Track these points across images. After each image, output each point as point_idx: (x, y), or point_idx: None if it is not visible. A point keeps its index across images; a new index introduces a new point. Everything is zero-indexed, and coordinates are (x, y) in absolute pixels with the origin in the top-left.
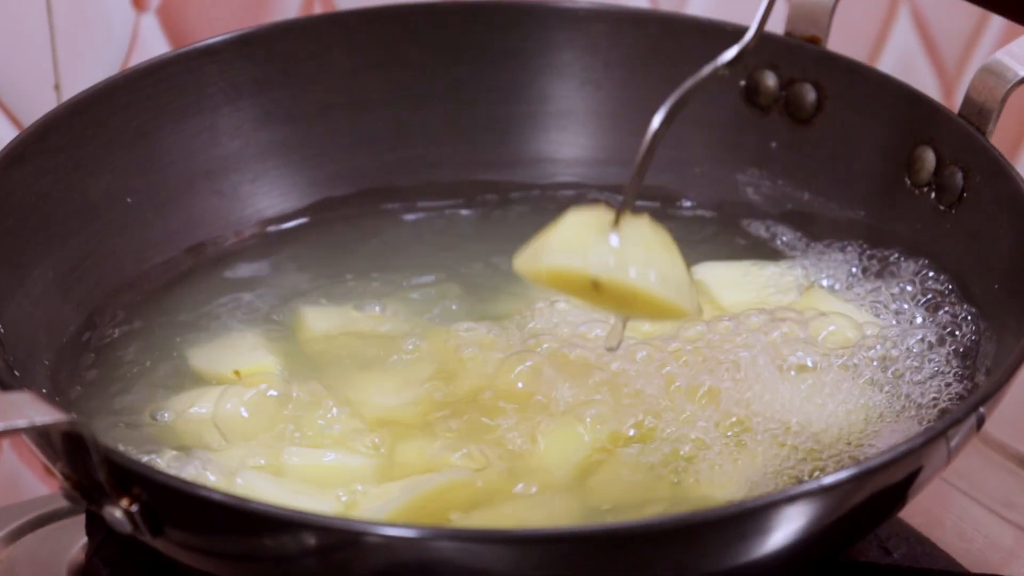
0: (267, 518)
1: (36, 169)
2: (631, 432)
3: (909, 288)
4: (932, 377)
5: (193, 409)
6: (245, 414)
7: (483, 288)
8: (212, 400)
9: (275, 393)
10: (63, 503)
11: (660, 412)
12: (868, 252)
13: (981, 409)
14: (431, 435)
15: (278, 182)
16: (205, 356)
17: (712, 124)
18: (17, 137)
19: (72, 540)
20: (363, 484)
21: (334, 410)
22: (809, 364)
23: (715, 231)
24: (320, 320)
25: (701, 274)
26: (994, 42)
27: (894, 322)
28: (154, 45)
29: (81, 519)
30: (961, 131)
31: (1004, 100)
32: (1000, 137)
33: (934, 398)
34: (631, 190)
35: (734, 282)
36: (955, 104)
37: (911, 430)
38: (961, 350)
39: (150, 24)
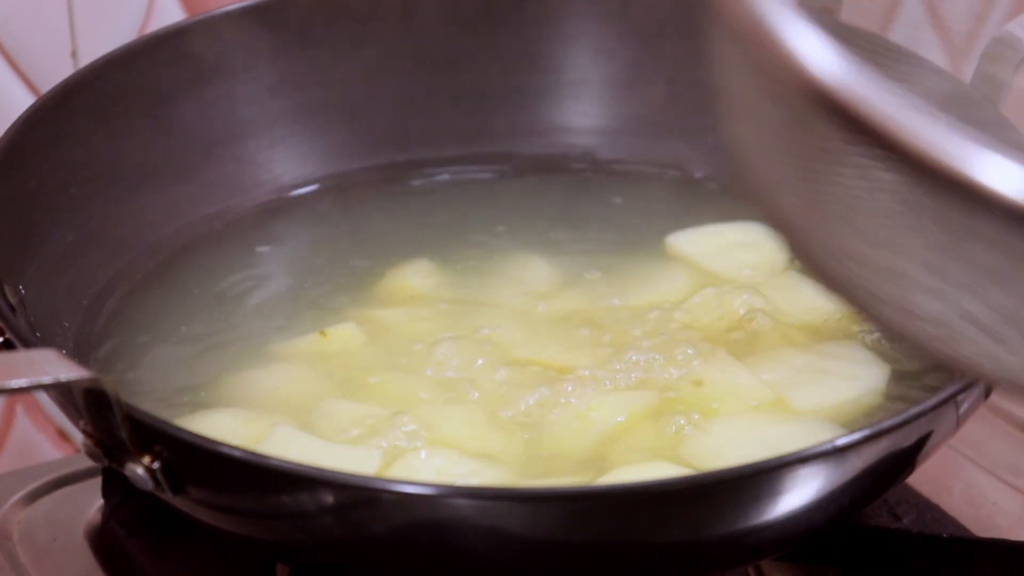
0: (287, 475)
1: (55, 133)
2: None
3: None
4: None
5: (215, 374)
6: (271, 378)
7: (498, 254)
8: (237, 365)
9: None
10: (79, 466)
11: (672, 377)
12: None
13: None
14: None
15: (295, 149)
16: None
17: None
18: (37, 101)
19: (88, 502)
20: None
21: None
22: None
23: (727, 200)
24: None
25: (681, 241)
26: (1003, 19)
27: None
28: (170, 12)
29: (97, 481)
30: None
31: (1017, 71)
32: (1012, 109)
33: (936, 373)
34: None
35: (717, 250)
36: (963, 79)
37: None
38: None
39: None
